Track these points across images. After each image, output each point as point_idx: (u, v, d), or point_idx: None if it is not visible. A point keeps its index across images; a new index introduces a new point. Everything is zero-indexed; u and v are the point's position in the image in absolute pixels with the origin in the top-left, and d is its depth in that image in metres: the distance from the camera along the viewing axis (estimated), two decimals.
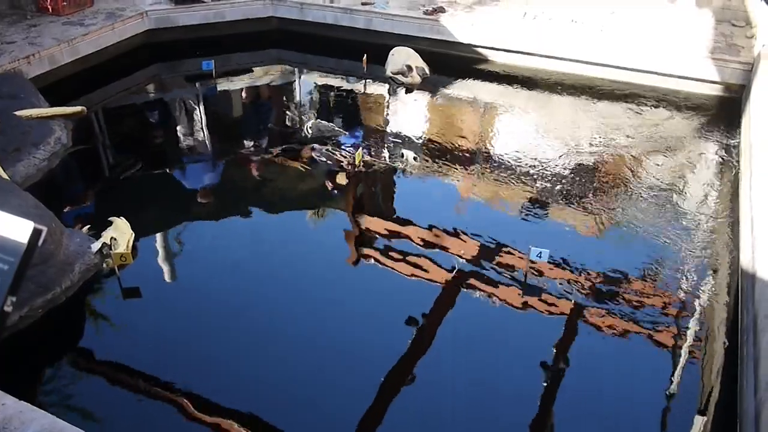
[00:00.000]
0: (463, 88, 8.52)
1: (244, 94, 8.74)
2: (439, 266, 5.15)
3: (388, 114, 7.95)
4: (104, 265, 4.94)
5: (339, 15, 9.39)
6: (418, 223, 5.73)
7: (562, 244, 5.33)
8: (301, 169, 6.70)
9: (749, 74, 7.38)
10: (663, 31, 8.17)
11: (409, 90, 8.34)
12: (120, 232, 5.14)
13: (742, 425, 3.55)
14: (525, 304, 4.74)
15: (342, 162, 6.66)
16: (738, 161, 6.42)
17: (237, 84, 8.87)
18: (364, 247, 5.48)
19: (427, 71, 8.44)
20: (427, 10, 9.04)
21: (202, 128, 7.68)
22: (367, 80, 8.70)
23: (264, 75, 9.25)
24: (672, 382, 4.14)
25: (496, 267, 5.13)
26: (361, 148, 6.72)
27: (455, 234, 5.54)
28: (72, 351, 4.40)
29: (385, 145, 7.09)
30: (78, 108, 7.16)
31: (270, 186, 6.61)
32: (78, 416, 3.80)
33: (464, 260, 5.21)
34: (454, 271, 5.08)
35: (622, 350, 4.40)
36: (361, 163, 6.50)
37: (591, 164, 6.58)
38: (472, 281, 4.99)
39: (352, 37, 9.37)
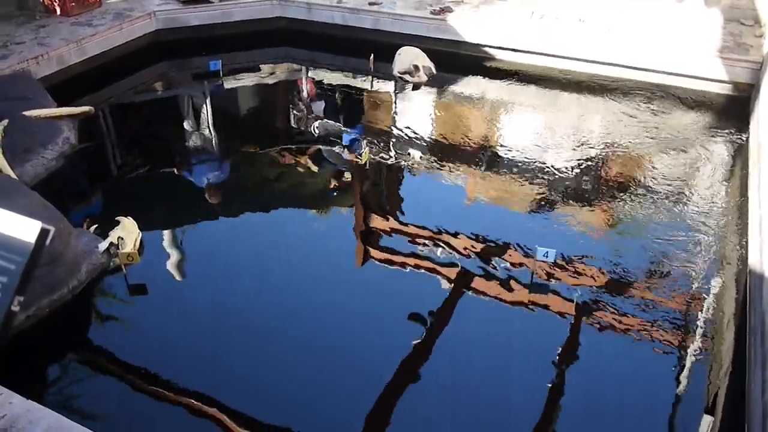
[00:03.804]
0: (470, 88, 8.50)
1: (250, 93, 8.75)
2: (445, 265, 5.15)
3: (394, 113, 7.95)
4: (111, 264, 4.97)
5: (347, 15, 9.39)
6: (424, 222, 5.73)
7: (570, 243, 5.31)
8: (308, 167, 6.72)
9: (758, 73, 7.33)
10: (671, 30, 8.13)
11: (415, 89, 8.34)
12: (127, 232, 5.16)
13: (750, 428, 3.54)
14: (532, 304, 4.73)
15: (349, 161, 6.67)
16: (746, 160, 6.39)
17: (244, 83, 8.89)
18: (370, 246, 5.48)
19: (434, 71, 8.43)
20: (434, 9, 9.02)
21: (209, 127, 7.70)
22: (374, 79, 8.71)
23: (271, 74, 9.27)
24: (680, 382, 4.12)
25: (503, 266, 5.12)
26: (367, 146, 6.72)
27: (461, 233, 5.53)
28: (78, 349, 4.43)
29: (392, 144, 7.08)
30: (86, 108, 7.20)
31: (276, 185, 6.62)
32: (85, 415, 3.82)
33: (470, 259, 5.21)
34: (460, 270, 5.08)
35: (629, 350, 4.38)
36: (368, 162, 6.51)
37: (598, 163, 6.56)
38: (478, 280, 4.98)
39: (360, 36, 9.37)
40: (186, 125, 7.76)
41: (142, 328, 4.59)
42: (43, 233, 1.57)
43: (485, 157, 6.81)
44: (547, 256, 4.81)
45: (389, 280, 5.10)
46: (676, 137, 6.99)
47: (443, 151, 6.98)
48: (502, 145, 7.08)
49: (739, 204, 5.79)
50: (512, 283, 4.94)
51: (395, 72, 8.47)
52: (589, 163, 6.56)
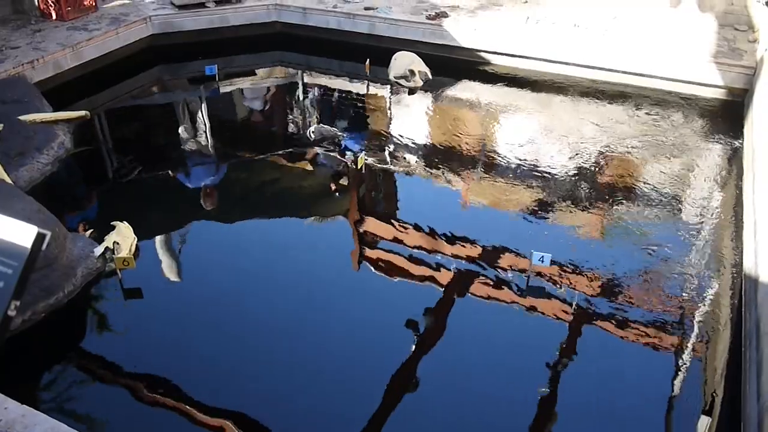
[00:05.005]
0: (466, 92, 8.52)
1: (246, 98, 8.76)
2: (441, 270, 5.15)
3: (390, 118, 7.96)
4: (106, 269, 4.96)
5: (342, 20, 9.41)
6: (420, 227, 5.74)
7: (565, 247, 5.33)
8: (304, 172, 6.72)
9: (752, 78, 7.38)
10: (666, 35, 8.17)
11: (411, 93, 8.36)
12: (123, 237, 5.15)
13: (746, 428, 3.55)
14: (527, 309, 4.74)
15: (344, 165, 6.67)
16: (741, 165, 6.42)
17: (240, 87, 8.89)
18: (365, 251, 5.48)
19: (430, 75, 8.45)
20: (429, 15, 9.05)
21: (205, 131, 7.70)
22: (370, 84, 8.72)
23: (267, 78, 9.27)
24: (676, 385, 4.14)
25: (499, 271, 5.12)
26: (363, 151, 6.73)
27: (457, 237, 5.54)
28: (74, 354, 4.42)
29: (387, 149, 7.10)
30: (82, 112, 7.20)
31: (272, 189, 6.62)
32: (80, 420, 3.81)
33: (466, 263, 5.21)
34: (456, 274, 5.08)
35: (625, 353, 4.40)
36: (363, 167, 6.51)
37: (593, 168, 6.58)
38: (474, 285, 4.99)
39: (355, 41, 9.39)
40: (182, 130, 7.75)
41: (137, 332, 4.58)
42: (39, 238, 1.57)
43: (481, 161, 6.83)
44: (542, 261, 4.82)
45: (386, 284, 5.10)
46: (671, 142, 7.02)
47: (439, 155, 7.00)
48: (497, 150, 7.09)
49: (734, 208, 5.81)
50: (508, 287, 4.95)
51: (391, 77, 8.49)
52: (584, 167, 6.58)
